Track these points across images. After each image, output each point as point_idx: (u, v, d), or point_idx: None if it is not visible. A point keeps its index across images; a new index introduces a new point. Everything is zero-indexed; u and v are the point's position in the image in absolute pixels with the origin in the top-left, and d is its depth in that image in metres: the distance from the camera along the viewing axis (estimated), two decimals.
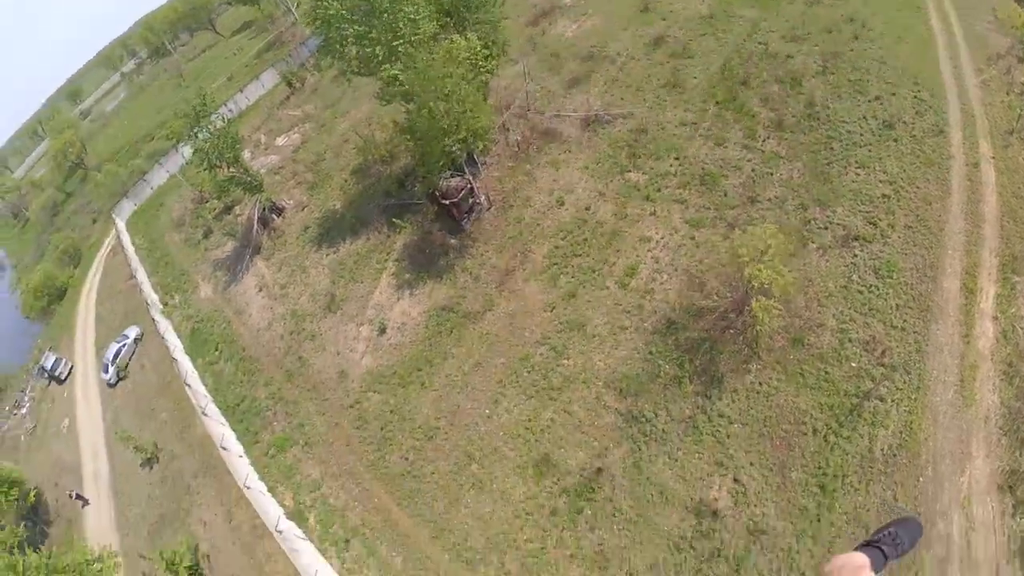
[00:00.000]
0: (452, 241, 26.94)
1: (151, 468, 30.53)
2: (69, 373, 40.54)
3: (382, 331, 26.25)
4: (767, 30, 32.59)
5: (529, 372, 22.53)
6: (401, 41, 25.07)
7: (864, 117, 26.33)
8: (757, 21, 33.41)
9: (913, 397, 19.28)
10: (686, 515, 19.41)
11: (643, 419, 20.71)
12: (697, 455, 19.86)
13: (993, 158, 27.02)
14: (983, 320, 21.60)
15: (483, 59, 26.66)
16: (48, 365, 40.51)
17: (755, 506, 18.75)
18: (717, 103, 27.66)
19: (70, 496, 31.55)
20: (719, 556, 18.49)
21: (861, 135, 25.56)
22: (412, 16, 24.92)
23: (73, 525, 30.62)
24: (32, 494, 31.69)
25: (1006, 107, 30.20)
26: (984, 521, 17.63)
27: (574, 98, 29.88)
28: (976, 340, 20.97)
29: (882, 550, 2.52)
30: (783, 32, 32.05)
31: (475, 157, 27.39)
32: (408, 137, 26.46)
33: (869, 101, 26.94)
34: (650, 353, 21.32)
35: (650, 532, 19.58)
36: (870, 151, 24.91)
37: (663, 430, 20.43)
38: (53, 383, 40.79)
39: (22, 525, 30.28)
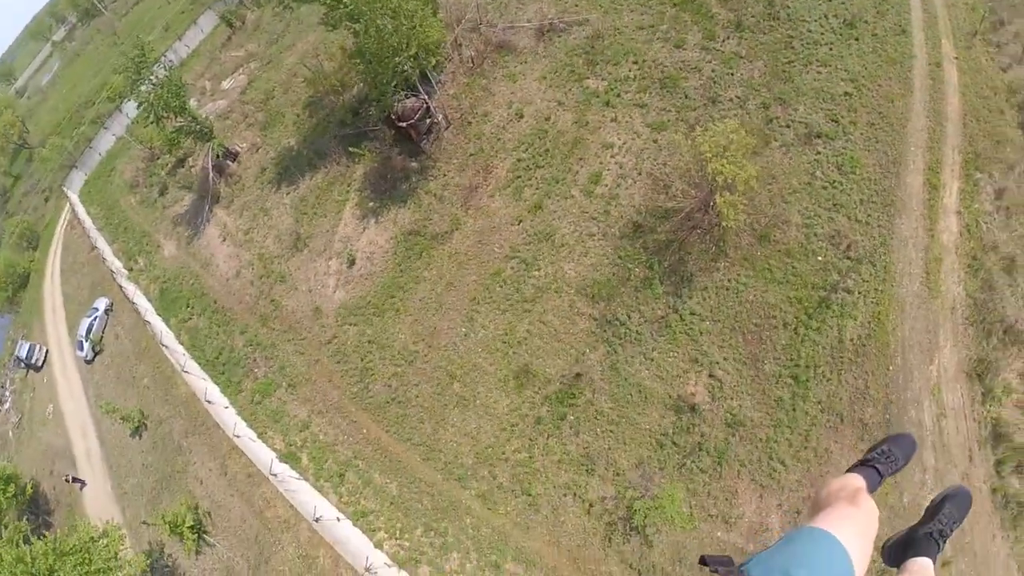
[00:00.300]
0: (413, 164, 26.23)
1: (141, 436, 30.54)
2: (45, 358, 39.74)
3: (351, 263, 25.85)
4: None
5: (501, 287, 22.48)
6: None
7: (825, 16, 25.54)
8: None
9: (880, 289, 19.55)
10: (666, 412, 19.91)
11: (617, 322, 20.86)
12: (672, 353, 20.17)
13: (956, 58, 26.51)
14: (947, 215, 21.81)
15: None
16: (23, 354, 39.57)
17: (732, 399, 19.25)
18: (675, 5, 26.73)
19: (66, 481, 31.56)
20: (701, 450, 19.13)
21: (822, 34, 24.89)
22: None
23: (74, 509, 30.83)
24: (29, 487, 31.62)
25: (969, 9, 29.40)
26: (955, 408, 18.37)
27: (527, 8, 28.48)
28: (940, 234, 21.20)
29: (877, 468, 2.49)
30: None
31: (429, 76, 26.23)
32: (358, 61, 25.29)
33: (829, 0, 26.11)
34: (619, 258, 21.24)
35: (633, 431, 20.12)
36: (831, 49, 24.32)
37: (637, 331, 20.63)
38: (31, 371, 40.09)
39: (24, 519, 30.38)
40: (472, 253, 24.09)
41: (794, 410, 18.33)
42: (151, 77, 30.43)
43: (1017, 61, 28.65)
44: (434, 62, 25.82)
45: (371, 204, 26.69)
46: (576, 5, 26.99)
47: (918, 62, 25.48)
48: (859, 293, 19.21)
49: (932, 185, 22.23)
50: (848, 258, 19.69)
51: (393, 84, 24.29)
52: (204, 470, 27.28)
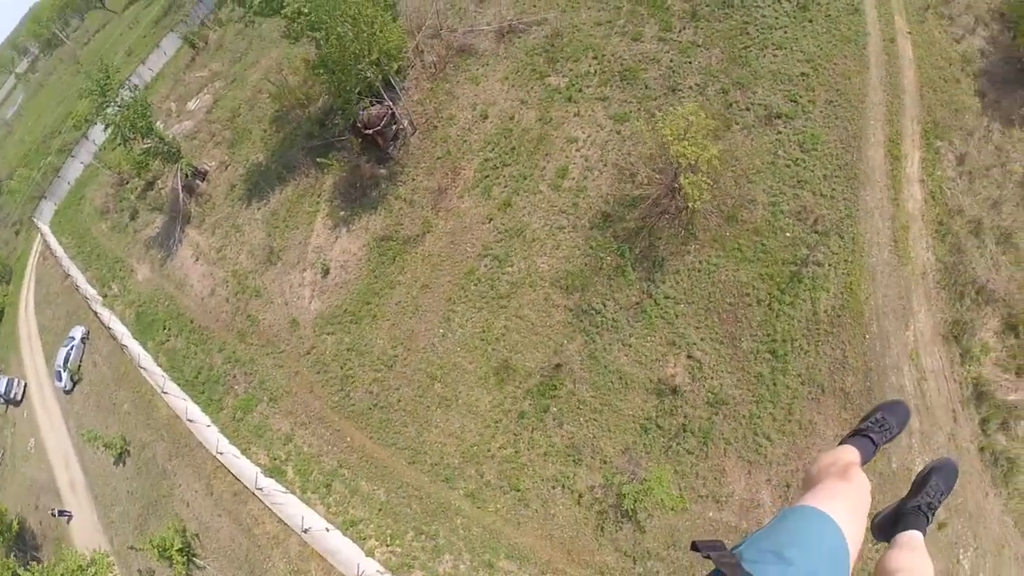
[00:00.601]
0: (381, 171, 26.31)
1: (124, 463, 30.07)
2: (24, 392, 39.03)
3: (326, 272, 25.80)
4: None
5: (476, 285, 22.58)
6: None
7: (778, 1, 26.17)
8: None
9: (849, 260, 19.89)
10: (648, 396, 20.04)
11: (592, 311, 21.00)
12: (649, 338, 20.33)
13: (909, 33, 27.21)
14: (910, 184, 22.29)
15: None
16: (0, 390, 38.81)
17: (712, 379, 19.43)
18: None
19: (53, 515, 30.91)
20: (685, 431, 19.27)
21: (776, 18, 25.43)
22: None
23: (62, 542, 30.22)
24: (15, 524, 30.97)
25: None
26: (934, 370, 18.67)
27: (486, 12, 28.83)
28: (905, 203, 21.65)
29: (871, 437, 2.43)
30: None
31: (392, 82, 26.38)
32: (321, 71, 25.46)
33: None
34: (590, 248, 21.44)
35: (616, 418, 20.22)
36: (786, 32, 24.85)
37: (613, 319, 20.79)
38: (10, 407, 39.28)
39: (11, 556, 29.74)
40: (445, 254, 24.16)
41: (775, 385, 18.56)
42: (117, 99, 30.28)
43: (970, 32, 29.41)
44: (396, 67, 25.99)
45: (342, 213, 26.70)
46: (534, 5, 27.39)
47: (872, 39, 26.07)
48: (829, 265, 19.55)
49: (894, 156, 22.71)
50: (816, 232, 20.02)
51: (357, 91, 24.45)
52: (190, 492, 26.90)
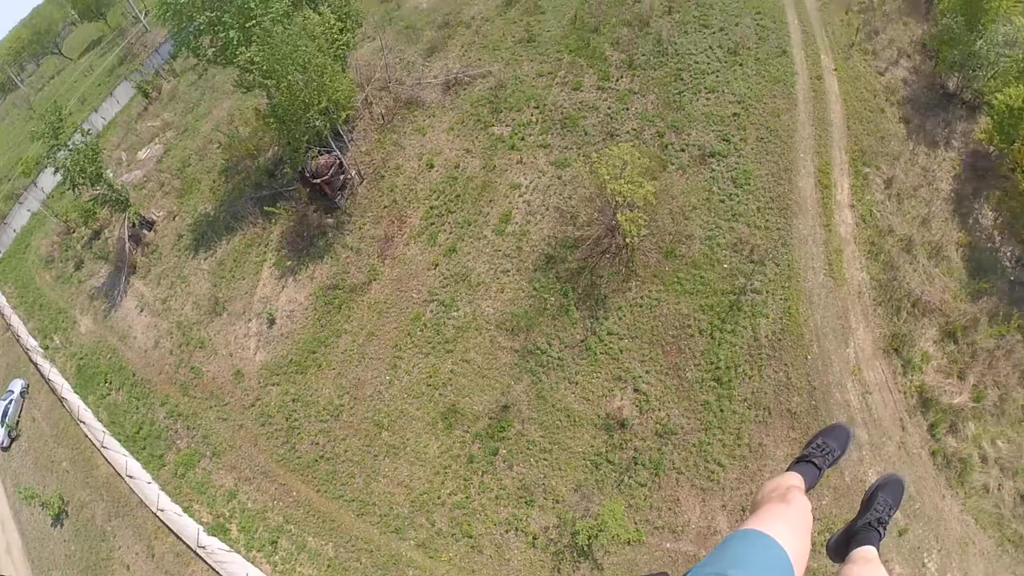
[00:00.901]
0: (328, 220, 26.43)
1: (62, 524, 28.40)
2: None
3: (271, 323, 25.43)
4: None
5: (422, 331, 22.60)
6: (255, 22, 24.64)
7: (710, 47, 27.68)
8: None
9: (786, 285, 20.65)
10: (597, 432, 20.11)
11: (538, 351, 21.18)
12: (595, 374, 20.57)
13: (835, 70, 29.19)
14: (841, 210, 23.44)
15: (338, 32, 26.55)
16: None
17: (659, 410, 19.66)
18: (571, 51, 28.57)
19: None
20: (636, 464, 19.32)
21: (708, 64, 26.90)
22: None
23: None
24: None
25: (845, 24, 32.62)
26: (878, 383, 19.30)
27: (433, 65, 29.85)
28: (837, 227, 22.71)
29: (814, 463, 2.51)
30: None
31: (341, 132, 26.83)
32: (272, 120, 25.78)
33: (713, 33, 28.32)
34: (534, 289, 21.78)
35: (567, 456, 20.17)
36: (717, 77, 26.27)
37: (559, 358, 20.99)
38: None
39: None
40: (391, 301, 24.18)
41: (722, 411, 18.89)
42: (68, 143, 29.93)
43: (893, 64, 31.60)
44: (344, 116, 26.51)
45: (289, 263, 26.61)
46: (479, 59, 28.51)
47: (800, 78, 27.72)
48: (767, 292, 20.33)
49: (824, 185, 23.93)
50: (752, 261, 20.87)
51: (306, 139, 24.75)
52: (130, 554, 25.47)
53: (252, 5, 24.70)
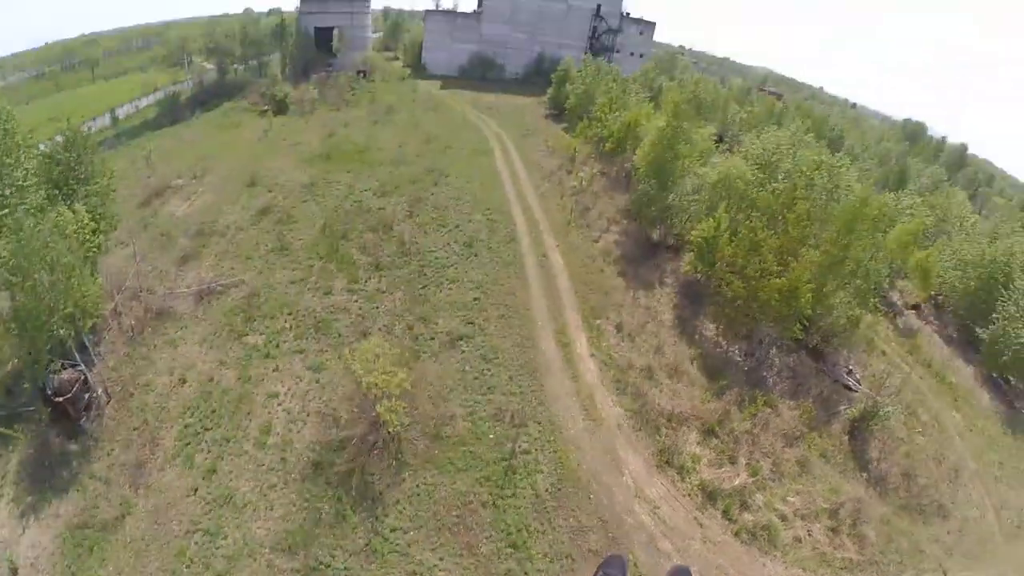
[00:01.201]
0: (73, 446, 22.89)
1: None
2: None
3: (14, 573, 20.35)
4: (361, 189, 39.03)
5: (189, 567, 19.93)
6: (7, 211, 22.69)
7: (448, 243, 32.34)
8: (352, 183, 39.64)
9: (552, 439, 23.07)
10: None
11: (322, 567, 19.95)
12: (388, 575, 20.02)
13: (558, 245, 35.93)
14: (583, 360, 27.54)
15: (90, 232, 25.35)
16: None
17: None
18: (321, 258, 30.99)
19: None
20: None
21: (448, 258, 31.25)
22: (20, 183, 23.32)
23: None
24: None
25: (561, 207, 40.92)
26: (663, 496, 21.52)
27: (187, 274, 29.71)
28: (584, 376, 26.45)
29: None
30: (374, 189, 38.80)
31: (87, 344, 24.66)
32: (14, 326, 22.62)
33: (450, 230, 33.31)
34: (306, 500, 21.14)
35: None
36: (457, 268, 30.50)
37: (345, 568, 19.98)
38: None
39: None
40: (150, 537, 21.21)
41: (526, 573, 19.17)
42: None
43: (605, 231, 39.72)
44: (91, 324, 24.51)
45: (30, 498, 21.91)
46: (232, 268, 29.21)
47: (528, 258, 33.28)
48: (535, 450, 22.17)
49: (564, 343, 27.93)
50: (515, 426, 22.82)
51: (48, 349, 22.14)
52: None
53: (7, 193, 23.10)
